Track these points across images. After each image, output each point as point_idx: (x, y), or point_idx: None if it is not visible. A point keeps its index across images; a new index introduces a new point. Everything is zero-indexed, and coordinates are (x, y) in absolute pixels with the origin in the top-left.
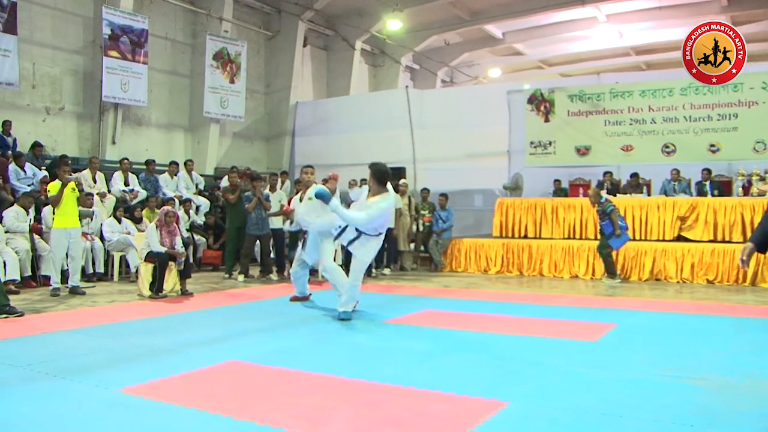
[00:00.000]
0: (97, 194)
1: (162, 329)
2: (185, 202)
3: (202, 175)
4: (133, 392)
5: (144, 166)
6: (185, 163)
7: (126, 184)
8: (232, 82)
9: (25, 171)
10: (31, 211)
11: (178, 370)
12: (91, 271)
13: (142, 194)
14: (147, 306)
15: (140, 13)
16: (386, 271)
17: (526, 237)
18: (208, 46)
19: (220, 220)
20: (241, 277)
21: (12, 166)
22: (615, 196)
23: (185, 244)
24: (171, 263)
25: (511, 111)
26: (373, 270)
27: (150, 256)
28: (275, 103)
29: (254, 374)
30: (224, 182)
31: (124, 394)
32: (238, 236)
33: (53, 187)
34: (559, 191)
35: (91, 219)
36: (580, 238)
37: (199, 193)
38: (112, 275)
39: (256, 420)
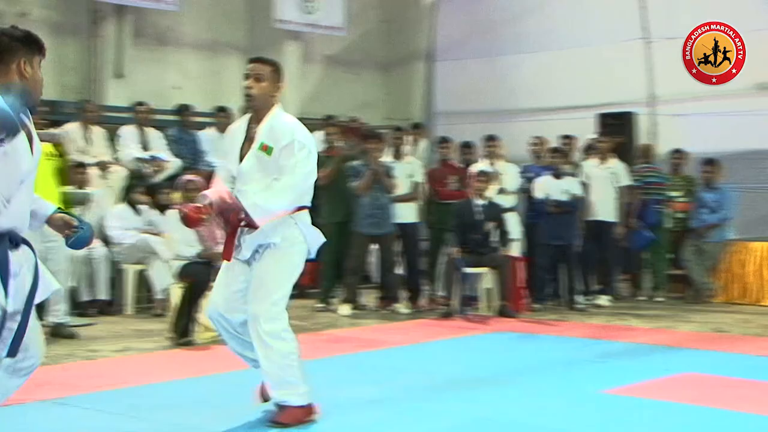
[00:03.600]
0: (96, 165)
1: (212, 399)
2: None
3: None
4: None
5: (174, 117)
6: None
7: (144, 147)
8: None
9: None
10: None
11: None
12: (87, 297)
13: (175, 164)
14: (185, 358)
15: None
16: (603, 300)
17: None
18: None
19: None
20: (345, 308)
21: None
22: None
23: None
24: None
25: None
26: (580, 299)
27: (186, 272)
28: (399, 2)
29: None
30: None
31: None
32: (339, 238)
33: None
34: None
35: (86, 207)
36: None
37: None
38: (125, 305)
39: None
